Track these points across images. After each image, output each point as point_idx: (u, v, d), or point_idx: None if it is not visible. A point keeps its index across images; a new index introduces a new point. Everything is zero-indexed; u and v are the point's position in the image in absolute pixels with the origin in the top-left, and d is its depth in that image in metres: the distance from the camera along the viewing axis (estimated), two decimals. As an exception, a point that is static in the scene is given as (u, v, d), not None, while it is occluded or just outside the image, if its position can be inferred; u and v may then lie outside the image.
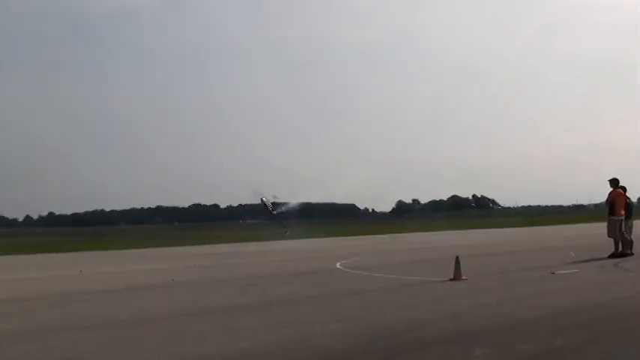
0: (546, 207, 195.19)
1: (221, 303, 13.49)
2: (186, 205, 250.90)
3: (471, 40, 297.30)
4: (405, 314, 10.87)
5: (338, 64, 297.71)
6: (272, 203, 32.00)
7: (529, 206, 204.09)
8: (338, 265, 22.21)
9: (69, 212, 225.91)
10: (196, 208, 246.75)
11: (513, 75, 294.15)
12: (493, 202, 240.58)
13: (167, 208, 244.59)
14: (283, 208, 33.08)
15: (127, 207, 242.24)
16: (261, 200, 32.14)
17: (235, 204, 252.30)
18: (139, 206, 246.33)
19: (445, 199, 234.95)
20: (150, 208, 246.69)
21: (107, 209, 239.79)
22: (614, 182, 21.18)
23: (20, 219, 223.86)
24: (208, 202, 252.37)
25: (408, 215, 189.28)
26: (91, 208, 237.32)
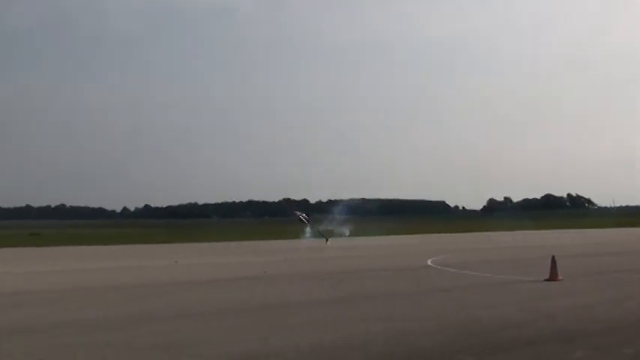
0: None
1: (314, 296, 13.62)
2: (276, 200, 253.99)
3: (575, 30, 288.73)
4: (499, 313, 10.70)
5: (433, 59, 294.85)
6: (305, 216, 33.54)
7: (627, 206, 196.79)
8: (429, 262, 22.07)
9: (164, 205, 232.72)
10: (286, 202, 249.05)
11: (617, 67, 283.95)
12: (589, 201, 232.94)
13: (258, 202, 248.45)
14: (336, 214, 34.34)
15: (220, 201, 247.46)
16: (297, 215, 33.54)
17: (325, 199, 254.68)
18: (230, 200, 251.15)
19: (538, 197, 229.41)
20: (241, 202, 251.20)
21: (200, 202, 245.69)
22: None
23: (118, 210, 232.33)
24: (298, 198, 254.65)
25: (500, 214, 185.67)
26: (185, 201, 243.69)
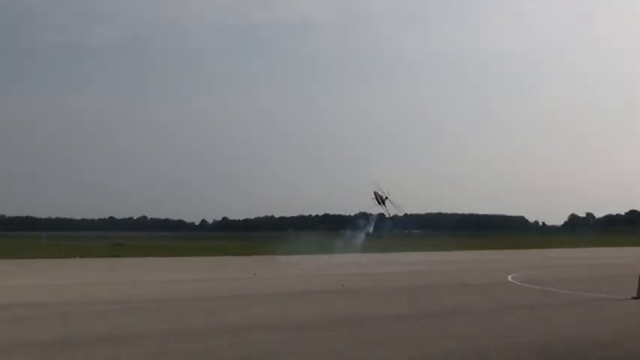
0: None
1: (394, 311, 13.54)
2: (351, 214, 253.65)
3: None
4: (584, 332, 10.41)
5: (504, 71, 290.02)
6: (385, 197, 31.21)
7: None
8: (510, 277, 21.64)
9: (241, 217, 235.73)
10: (362, 216, 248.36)
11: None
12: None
13: (333, 216, 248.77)
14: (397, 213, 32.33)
15: (296, 214, 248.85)
16: (375, 193, 31.43)
17: (401, 213, 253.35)
18: (307, 213, 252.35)
19: (622, 213, 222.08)
20: (317, 215, 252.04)
21: (277, 215, 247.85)
22: None
23: (197, 223, 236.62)
24: (374, 212, 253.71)
25: (582, 229, 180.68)
26: (262, 214, 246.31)
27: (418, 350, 8.81)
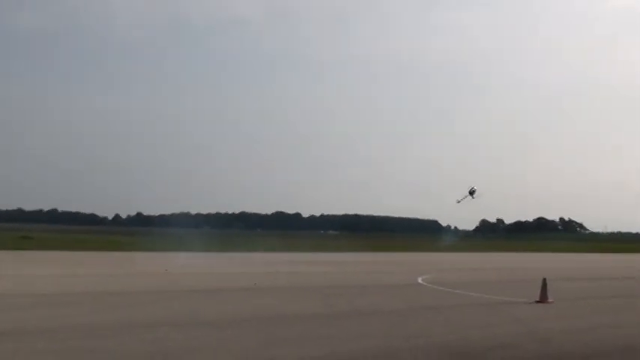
0: (637, 234, 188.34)
1: (305, 310, 13.60)
2: (269, 213, 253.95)
3: (566, 65, 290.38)
4: (487, 333, 10.71)
5: (420, 73, 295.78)
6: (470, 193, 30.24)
7: (620, 232, 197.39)
8: (420, 279, 22.06)
9: (156, 213, 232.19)
10: (279, 216, 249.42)
11: (614, 100, 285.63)
12: (581, 225, 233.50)
13: (250, 214, 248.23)
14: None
15: (212, 211, 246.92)
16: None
17: (318, 214, 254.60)
18: (222, 211, 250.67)
19: (531, 220, 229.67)
20: (233, 213, 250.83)
21: (193, 212, 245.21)
22: None
23: (110, 217, 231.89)
24: (291, 211, 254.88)
25: (492, 235, 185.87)
26: (177, 211, 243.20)
27: (328, 349, 8.89)
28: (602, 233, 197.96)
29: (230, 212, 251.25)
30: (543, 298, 15.26)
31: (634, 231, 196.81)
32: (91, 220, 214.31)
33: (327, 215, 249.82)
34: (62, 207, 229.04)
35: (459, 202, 28.01)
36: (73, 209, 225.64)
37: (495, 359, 8.49)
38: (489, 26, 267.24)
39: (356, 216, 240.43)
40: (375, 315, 13.13)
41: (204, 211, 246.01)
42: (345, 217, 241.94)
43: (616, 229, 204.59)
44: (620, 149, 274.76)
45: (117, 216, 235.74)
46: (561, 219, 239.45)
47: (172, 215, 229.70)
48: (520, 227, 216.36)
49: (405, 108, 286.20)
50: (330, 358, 8.30)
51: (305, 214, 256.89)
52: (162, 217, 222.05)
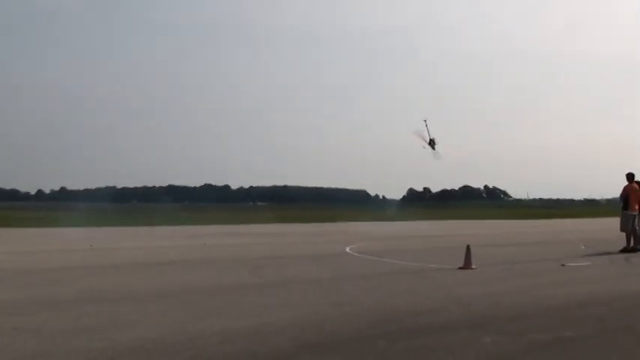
0: (558, 200, 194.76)
1: (233, 282, 13.60)
2: (197, 185, 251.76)
3: (488, 32, 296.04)
4: (413, 299, 10.93)
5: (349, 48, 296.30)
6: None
7: (541, 199, 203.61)
8: (347, 249, 22.31)
9: (81, 188, 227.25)
10: (207, 188, 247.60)
11: (533, 68, 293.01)
12: (504, 193, 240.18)
13: (178, 187, 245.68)
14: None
15: (139, 185, 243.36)
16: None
17: (247, 186, 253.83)
18: (150, 184, 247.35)
19: (457, 188, 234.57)
20: (161, 186, 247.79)
21: (119, 186, 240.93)
22: (630, 176, 21.11)
23: (32, 193, 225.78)
24: (220, 183, 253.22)
25: (419, 203, 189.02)
26: (102, 185, 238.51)
27: (258, 320, 8.91)
28: (525, 200, 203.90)
29: (158, 185, 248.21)
30: (467, 265, 15.63)
31: (555, 197, 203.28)
32: (13, 195, 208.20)
33: (256, 187, 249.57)
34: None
35: (424, 147, 26.87)
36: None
37: (420, 324, 8.65)
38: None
39: (285, 187, 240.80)
40: (303, 284, 13.23)
41: (130, 185, 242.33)
42: (274, 188, 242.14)
43: (537, 196, 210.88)
44: (542, 118, 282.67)
45: (40, 191, 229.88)
46: (485, 187, 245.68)
47: (97, 189, 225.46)
48: (446, 195, 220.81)
49: (326, 75, 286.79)
50: (257, 328, 8.32)
51: (234, 185, 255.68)
52: (87, 191, 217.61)
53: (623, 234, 20.82)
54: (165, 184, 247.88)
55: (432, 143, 26.36)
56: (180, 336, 7.87)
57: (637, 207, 20.79)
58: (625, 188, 21.00)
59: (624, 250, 20.16)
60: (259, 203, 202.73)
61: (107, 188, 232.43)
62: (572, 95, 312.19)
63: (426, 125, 25.87)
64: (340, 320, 8.94)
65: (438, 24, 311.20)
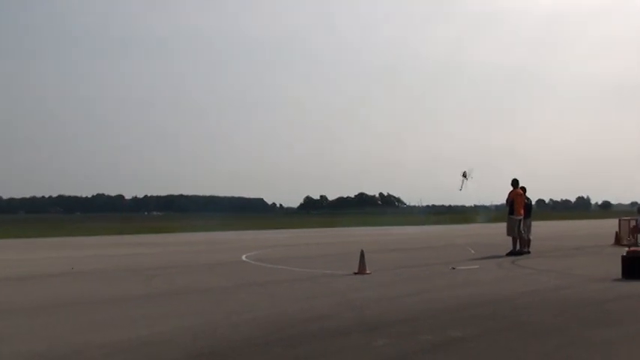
0: (450, 207, 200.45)
1: (123, 292, 13.24)
2: (89, 195, 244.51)
3: (386, 40, 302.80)
4: (307, 306, 10.94)
5: (253, 57, 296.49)
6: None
7: (433, 205, 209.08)
8: (244, 257, 22.17)
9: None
10: (100, 198, 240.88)
11: (426, 76, 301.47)
12: (399, 200, 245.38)
13: (69, 197, 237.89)
14: None
15: (27, 195, 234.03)
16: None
17: (141, 195, 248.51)
18: (39, 195, 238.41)
19: (352, 196, 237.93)
20: (51, 197, 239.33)
21: (5, 197, 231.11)
22: (514, 183, 21.96)
23: None
24: (113, 193, 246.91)
25: (316, 211, 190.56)
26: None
27: (149, 330, 8.72)
28: (418, 207, 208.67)
29: (47, 196, 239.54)
30: (361, 270, 15.82)
31: (447, 204, 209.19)
32: None
33: (151, 196, 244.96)
34: None
35: (460, 190, 27.56)
36: None
37: (314, 329, 8.67)
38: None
39: (181, 196, 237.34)
40: (197, 293, 13.04)
41: (17, 196, 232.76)
42: (170, 197, 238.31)
43: (431, 203, 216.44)
44: (435, 125, 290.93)
45: None
46: (380, 194, 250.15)
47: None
48: (342, 203, 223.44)
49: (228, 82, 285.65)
50: (148, 338, 8.12)
51: (128, 195, 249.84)
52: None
53: (510, 238, 21.61)
54: (54, 194, 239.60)
55: (465, 175, 27.34)
56: (63, 350, 7.57)
57: (522, 211, 21.64)
58: (510, 193, 21.80)
59: (511, 254, 20.91)
60: (154, 213, 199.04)
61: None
62: (465, 102, 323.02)
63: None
64: (234, 328, 8.85)
65: (338, 34, 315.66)
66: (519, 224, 21.48)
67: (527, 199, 22.49)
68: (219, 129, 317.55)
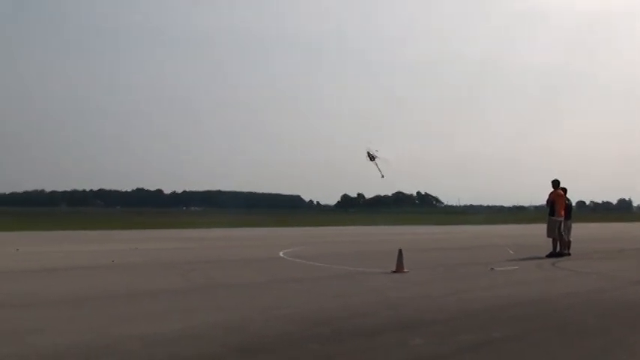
0: (488, 207, 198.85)
1: (161, 286, 13.31)
2: (129, 189, 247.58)
3: (431, 39, 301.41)
4: (345, 303, 10.86)
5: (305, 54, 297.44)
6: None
7: (471, 205, 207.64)
8: (281, 253, 22.16)
9: (7, 191, 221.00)
10: (139, 192, 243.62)
11: (467, 74, 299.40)
12: (436, 199, 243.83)
13: (109, 191, 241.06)
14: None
15: (69, 188, 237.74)
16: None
17: (180, 190, 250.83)
18: (80, 188, 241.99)
19: (390, 194, 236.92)
20: (92, 190, 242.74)
21: (48, 189, 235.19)
22: (555, 183, 21.55)
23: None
24: (152, 188, 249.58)
25: (353, 209, 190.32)
26: (30, 188, 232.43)
27: (185, 323, 8.71)
28: (456, 206, 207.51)
29: (88, 189, 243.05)
30: (399, 268, 15.67)
31: (485, 204, 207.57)
32: None
33: (190, 192, 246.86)
34: None
35: (383, 177, 27.34)
36: None
37: (350, 327, 8.59)
38: None
39: (219, 192, 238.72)
40: (233, 288, 13.04)
41: (59, 189, 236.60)
42: (208, 193, 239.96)
43: (469, 202, 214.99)
44: (475, 126, 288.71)
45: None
46: (418, 193, 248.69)
47: (25, 193, 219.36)
48: (379, 201, 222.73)
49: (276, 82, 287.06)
50: (183, 331, 8.12)
51: (167, 190, 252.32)
52: (13, 195, 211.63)
53: (550, 240, 21.25)
54: (95, 187, 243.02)
55: (372, 157, 26.75)
56: (104, 340, 7.61)
57: (563, 213, 21.25)
58: (550, 195, 21.42)
59: (551, 255, 20.55)
60: (193, 208, 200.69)
61: (34, 192, 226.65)
62: (505, 105, 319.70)
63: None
64: (270, 324, 8.81)
65: (382, 31, 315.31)
66: (560, 226, 21.11)
67: (568, 200, 22.10)
68: (260, 127, 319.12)
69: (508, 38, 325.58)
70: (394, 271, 15.60)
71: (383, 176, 27.29)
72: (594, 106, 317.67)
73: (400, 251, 16.10)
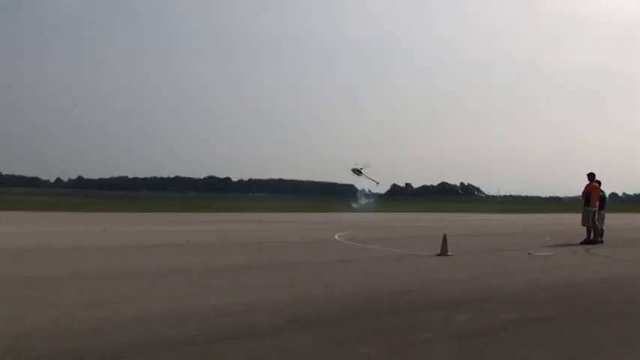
0: (526, 197, 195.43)
1: (230, 263, 13.56)
2: (201, 177, 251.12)
3: (477, 39, 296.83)
4: (396, 282, 10.90)
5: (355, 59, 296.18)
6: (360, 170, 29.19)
7: (511, 195, 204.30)
8: (336, 236, 22.26)
9: (96, 177, 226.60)
10: (210, 179, 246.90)
11: (515, 76, 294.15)
12: (478, 189, 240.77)
13: (184, 178, 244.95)
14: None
15: (149, 175, 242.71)
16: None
17: (246, 178, 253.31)
18: (159, 175, 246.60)
19: (435, 184, 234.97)
20: (169, 177, 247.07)
21: (130, 176, 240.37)
22: (591, 176, 21.17)
23: (52, 180, 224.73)
24: (222, 175, 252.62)
25: (402, 197, 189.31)
26: (115, 175, 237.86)
27: (250, 297, 8.87)
28: (496, 196, 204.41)
29: (165, 176, 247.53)
30: (444, 252, 15.63)
31: (523, 194, 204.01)
32: (33, 182, 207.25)
33: (255, 179, 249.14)
34: (5, 170, 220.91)
35: (378, 184, 27.80)
36: (17, 172, 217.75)
37: (401, 304, 8.66)
38: None
39: (281, 180, 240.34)
40: (295, 266, 13.19)
41: (141, 175, 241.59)
42: (271, 181, 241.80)
43: (508, 193, 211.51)
44: (516, 121, 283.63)
45: (58, 179, 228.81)
46: (461, 183, 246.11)
47: (111, 179, 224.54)
48: (426, 191, 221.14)
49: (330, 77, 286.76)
50: (252, 304, 8.28)
51: (234, 178, 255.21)
52: (101, 180, 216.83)
53: (584, 228, 20.87)
54: (172, 175, 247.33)
55: (357, 171, 27.30)
56: (182, 310, 7.82)
57: (597, 203, 20.86)
58: (586, 186, 21.06)
59: (585, 242, 20.20)
60: (257, 194, 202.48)
61: (119, 178, 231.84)
62: (543, 102, 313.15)
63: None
64: (330, 299, 8.91)
65: (430, 33, 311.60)
66: (594, 215, 20.72)
67: (602, 192, 21.67)
68: (322, 120, 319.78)
69: (549, 42, 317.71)
70: (439, 254, 15.56)
71: (378, 183, 27.61)
72: (629, 105, 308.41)
73: (445, 236, 16.06)
